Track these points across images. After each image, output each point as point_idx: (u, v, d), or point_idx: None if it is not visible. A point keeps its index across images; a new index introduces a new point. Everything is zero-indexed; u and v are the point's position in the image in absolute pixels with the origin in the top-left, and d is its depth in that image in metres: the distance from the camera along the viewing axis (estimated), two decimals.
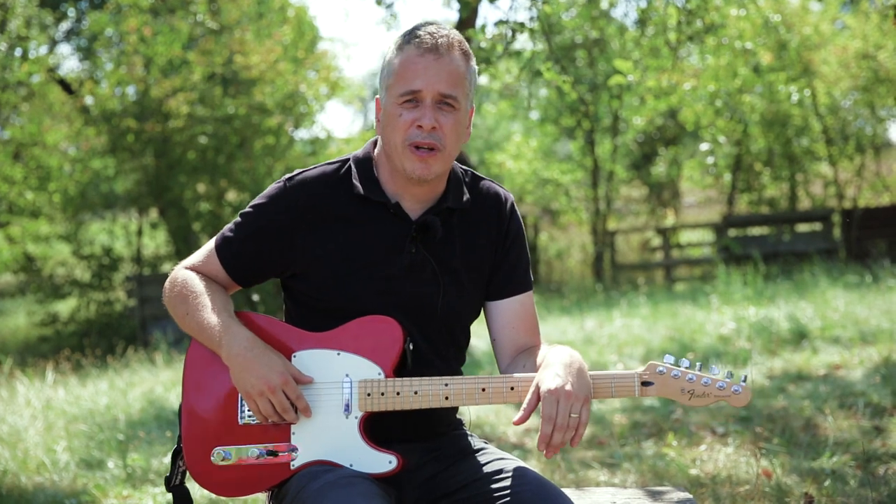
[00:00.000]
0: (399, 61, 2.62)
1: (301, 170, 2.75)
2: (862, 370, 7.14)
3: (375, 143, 2.79)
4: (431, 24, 2.66)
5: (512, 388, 2.58)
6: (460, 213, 2.75)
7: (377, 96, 2.72)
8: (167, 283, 2.77)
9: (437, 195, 2.73)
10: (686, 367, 2.57)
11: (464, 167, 2.85)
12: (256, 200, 2.74)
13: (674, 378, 2.56)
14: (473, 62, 2.70)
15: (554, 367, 2.50)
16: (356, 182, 2.69)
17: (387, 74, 2.65)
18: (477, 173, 2.86)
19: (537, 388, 2.49)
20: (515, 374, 2.60)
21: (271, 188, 2.73)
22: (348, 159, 2.76)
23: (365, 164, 2.74)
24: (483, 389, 2.59)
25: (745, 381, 2.57)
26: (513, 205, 2.84)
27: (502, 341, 2.80)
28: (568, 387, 2.44)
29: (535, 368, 2.63)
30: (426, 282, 2.67)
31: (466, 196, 2.76)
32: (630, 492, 3.18)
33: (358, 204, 2.69)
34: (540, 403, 2.47)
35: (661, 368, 2.57)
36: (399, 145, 2.60)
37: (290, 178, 2.72)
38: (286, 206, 2.68)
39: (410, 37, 2.63)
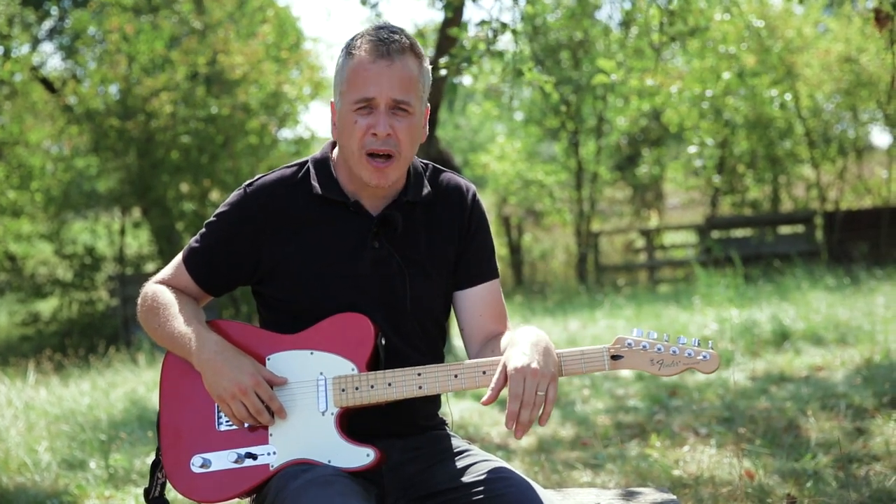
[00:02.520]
0: (351, 67, 2.62)
1: (260, 175, 2.78)
2: (843, 372, 7.17)
3: (334, 144, 2.81)
4: (383, 27, 2.65)
5: (484, 373, 2.59)
6: (423, 207, 2.76)
7: (332, 100, 2.74)
8: (139, 300, 2.81)
9: (397, 190, 2.74)
10: (654, 339, 2.58)
11: (424, 161, 2.86)
12: (219, 209, 2.77)
13: (643, 350, 2.57)
14: (426, 62, 2.70)
15: (520, 345, 2.51)
16: (315, 183, 2.72)
17: (340, 80, 2.65)
18: (438, 166, 2.87)
19: (504, 367, 2.49)
20: (486, 359, 2.61)
21: (232, 195, 2.77)
22: (306, 161, 2.79)
23: (323, 164, 2.76)
24: (455, 376, 2.60)
25: (712, 347, 2.59)
26: (475, 195, 2.86)
27: (471, 330, 2.81)
28: (534, 364, 2.45)
29: (502, 352, 2.65)
30: (393, 276, 2.69)
31: (427, 189, 2.77)
32: (613, 492, 3.18)
33: (318, 205, 2.71)
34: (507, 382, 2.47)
35: (629, 341, 2.58)
36: (356, 152, 2.62)
37: (249, 184, 2.76)
38: (247, 211, 2.71)
39: (362, 41, 2.63)
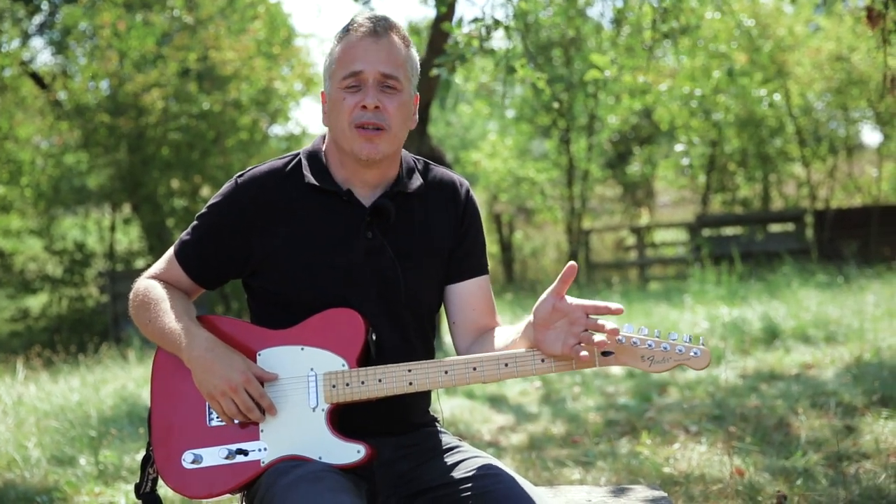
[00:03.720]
0: (339, 49, 2.67)
1: (251, 167, 2.78)
2: (833, 370, 7.19)
3: (324, 138, 2.81)
4: (369, 13, 2.71)
5: (474, 369, 2.58)
6: (417, 199, 2.77)
7: (322, 90, 2.76)
8: (131, 295, 2.80)
9: (389, 180, 2.75)
10: (645, 335, 2.57)
11: (416, 157, 2.88)
12: (210, 201, 2.77)
13: (633, 346, 2.56)
14: (414, 50, 2.74)
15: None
16: (307, 172, 2.72)
17: (329, 64, 2.70)
18: (429, 162, 2.89)
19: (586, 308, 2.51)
20: (477, 355, 2.60)
21: (223, 187, 2.76)
22: (298, 154, 2.80)
23: (314, 156, 2.77)
24: (446, 372, 2.59)
25: (703, 343, 2.57)
26: (468, 189, 2.87)
27: (462, 323, 2.82)
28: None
29: (492, 347, 2.69)
30: (386, 267, 2.69)
31: (420, 182, 2.78)
32: (604, 490, 3.19)
33: (310, 195, 2.71)
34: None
35: (620, 338, 2.56)
36: (346, 129, 2.63)
37: (240, 176, 2.75)
38: (238, 203, 2.71)
39: (349, 25, 2.68)
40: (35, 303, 16.92)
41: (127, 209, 16.76)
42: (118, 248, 17.21)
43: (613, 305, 2.47)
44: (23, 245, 17.50)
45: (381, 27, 2.65)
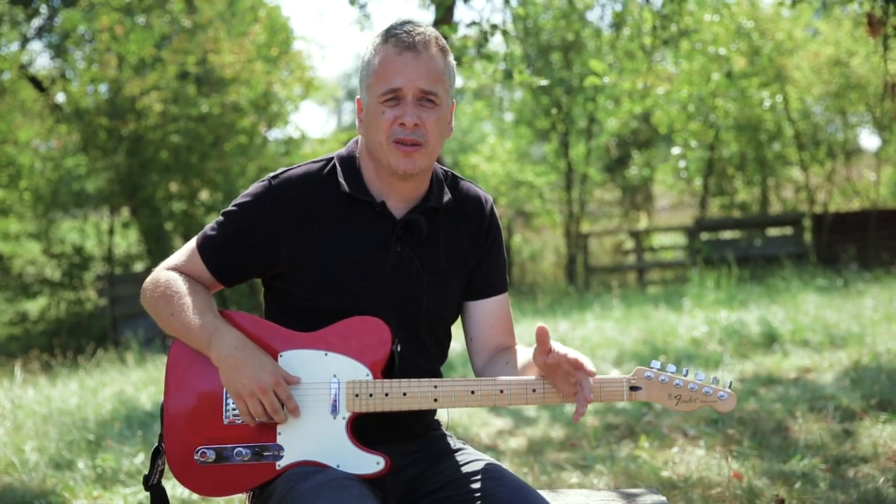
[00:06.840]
0: (378, 60, 2.61)
1: (285, 168, 2.73)
2: (832, 374, 7.19)
3: (358, 142, 2.78)
4: (408, 22, 2.65)
5: (501, 392, 2.58)
6: (444, 213, 2.75)
7: (357, 97, 2.72)
8: (148, 284, 2.72)
9: (421, 194, 2.73)
10: (672, 373, 2.61)
11: (444, 168, 2.86)
12: (240, 199, 2.71)
13: (661, 383, 2.60)
14: (451, 58, 2.70)
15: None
16: (342, 180, 2.68)
17: (366, 74, 2.65)
18: (457, 175, 2.87)
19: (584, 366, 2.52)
20: (503, 377, 2.60)
21: (255, 186, 2.71)
22: (332, 158, 2.75)
23: (350, 162, 2.73)
24: (472, 392, 2.59)
25: (730, 387, 2.61)
26: (493, 207, 2.87)
27: (480, 341, 2.81)
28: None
29: (515, 368, 2.67)
30: (412, 281, 2.67)
31: (448, 196, 2.77)
32: (603, 494, 3.18)
33: (343, 203, 2.68)
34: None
35: (648, 374, 2.60)
36: (384, 142, 2.60)
37: (274, 177, 2.70)
38: (270, 204, 2.66)
39: (388, 35, 2.63)
40: (33, 306, 16.91)
41: (125, 212, 16.76)
42: (117, 251, 17.21)
43: (588, 365, 2.50)
44: (21, 248, 17.50)
45: (421, 41, 2.60)
